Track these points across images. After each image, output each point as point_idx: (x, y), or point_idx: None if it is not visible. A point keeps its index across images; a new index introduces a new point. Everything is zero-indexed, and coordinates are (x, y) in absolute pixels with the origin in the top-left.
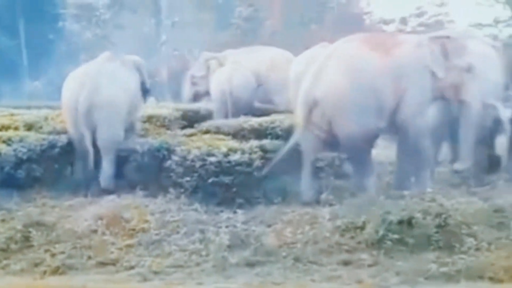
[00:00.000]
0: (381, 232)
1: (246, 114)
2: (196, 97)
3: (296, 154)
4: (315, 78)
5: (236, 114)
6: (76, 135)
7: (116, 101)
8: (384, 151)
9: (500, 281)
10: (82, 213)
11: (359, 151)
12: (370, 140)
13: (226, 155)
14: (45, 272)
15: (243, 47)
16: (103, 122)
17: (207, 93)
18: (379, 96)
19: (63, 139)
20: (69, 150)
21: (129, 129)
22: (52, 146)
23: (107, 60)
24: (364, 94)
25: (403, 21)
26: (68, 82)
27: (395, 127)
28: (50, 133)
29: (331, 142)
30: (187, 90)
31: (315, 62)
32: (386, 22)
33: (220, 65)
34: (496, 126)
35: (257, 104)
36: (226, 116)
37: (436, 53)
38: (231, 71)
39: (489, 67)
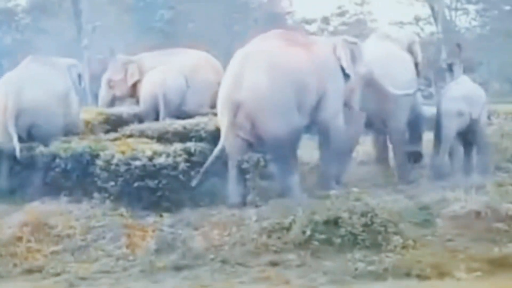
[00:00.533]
0: (307, 233)
1: (178, 117)
2: (113, 101)
3: (221, 156)
4: (236, 79)
5: (168, 118)
6: (4, 139)
7: (40, 103)
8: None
9: (427, 277)
10: (7, 220)
11: (283, 151)
12: (294, 139)
13: (150, 158)
14: None
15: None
16: (31, 124)
17: (125, 97)
18: (301, 92)
19: None
20: None
21: (68, 130)
22: None
23: (30, 64)
24: (286, 91)
25: (325, 20)
26: None
27: (316, 126)
28: None
29: (256, 143)
30: (104, 94)
31: (232, 63)
32: (308, 22)
33: (138, 68)
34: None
35: (185, 107)
36: (156, 120)
37: (348, 57)
38: (163, 74)
39: (398, 67)
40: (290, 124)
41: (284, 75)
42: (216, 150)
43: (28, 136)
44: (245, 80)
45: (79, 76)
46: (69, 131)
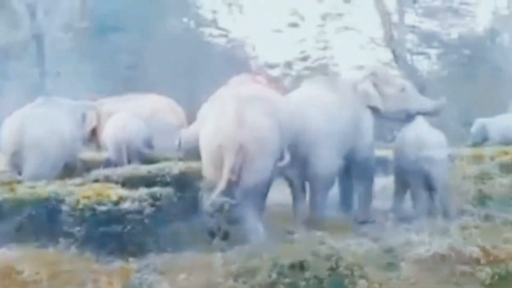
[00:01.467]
0: (273, 276)
1: (143, 162)
2: None
3: (186, 200)
4: (237, 122)
5: (131, 162)
6: None
7: (43, 142)
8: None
9: None
10: None
11: (258, 196)
12: (270, 183)
13: (116, 203)
14: None
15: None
16: (29, 161)
17: (84, 142)
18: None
19: None
20: None
21: (69, 170)
22: None
23: (38, 104)
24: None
25: (288, 65)
26: (3, 127)
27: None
28: None
29: (230, 187)
30: None
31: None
32: (271, 66)
33: (97, 114)
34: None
35: (145, 151)
36: (121, 164)
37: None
38: (125, 119)
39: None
40: (270, 168)
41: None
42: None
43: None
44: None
45: (83, 116)
46: (69, 170)
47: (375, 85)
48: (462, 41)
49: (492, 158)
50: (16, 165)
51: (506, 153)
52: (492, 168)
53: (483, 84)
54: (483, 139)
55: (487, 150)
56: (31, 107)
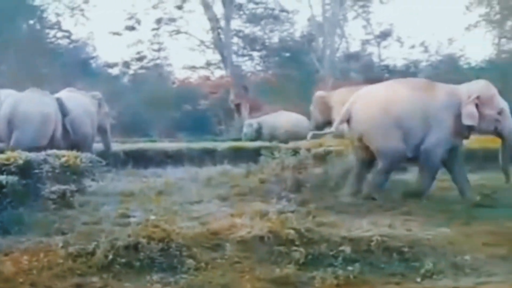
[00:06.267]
0: (110, 257)
1: None
2: None
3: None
4: None
5: None
6: None
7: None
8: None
9: None
10: None
11: None
12: None
13: None
14: None
15: None
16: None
17: None
18: None
19: None
20: None
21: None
22: None
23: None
24: None
25: (126, 64)
26: None
27: None
28: None
29: None
30: None
31: None
32: (110, 66)
33: None
34: None
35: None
36: None
37: None
38: None
39: None
40: None
41: None
42: None
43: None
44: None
45: (99, 103)
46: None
47: (477, 106)
48: (282, 45)
49: (308, 150)
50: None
51: (320, 145)
52: (307, 159)
53: (302, 84)
54: (257, 137)
55: (304, 143)
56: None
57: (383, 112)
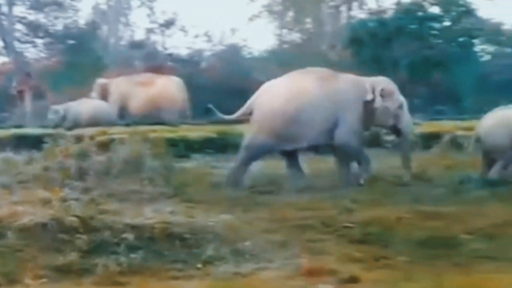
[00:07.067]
0: None
1: None
2: None
3: None
4: None
5: None
6: None
7: None
8: None
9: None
10: None
11: None
12: None
13: None
14: None
15: None
16: None
17: None
18: None
19: None
20: None
21: None
22: None
23: None
24: None
25: None
26: None
27: None
28: None
29: None
30: None
31: None
32: None
33: None
34: None
35: None
36: None
37: None
38: None
39: None
40: None
41: None
42: None
43: None
44: None
45: None
46: None
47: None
48: (67, 32)
49: (92, 138)
50: None
51: (104, 133)
52: (90, 146)
53: (86, 71)
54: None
55: (88, 131)
56: None
57: (287, 103)
